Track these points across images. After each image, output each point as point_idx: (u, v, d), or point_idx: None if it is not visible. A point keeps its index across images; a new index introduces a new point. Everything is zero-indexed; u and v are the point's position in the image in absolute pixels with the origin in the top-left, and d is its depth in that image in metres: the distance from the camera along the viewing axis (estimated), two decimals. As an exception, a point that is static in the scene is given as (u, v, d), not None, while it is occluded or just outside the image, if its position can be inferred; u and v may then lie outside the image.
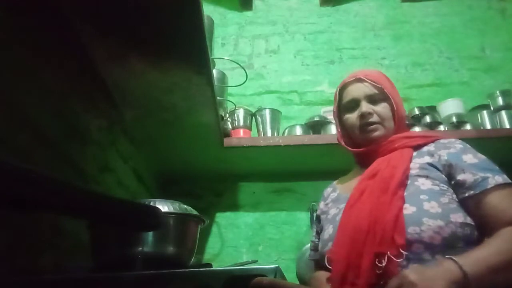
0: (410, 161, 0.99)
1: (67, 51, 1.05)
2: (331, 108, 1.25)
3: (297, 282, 1.61)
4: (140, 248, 0.83)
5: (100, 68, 1.15)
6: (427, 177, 0.94)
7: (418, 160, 0.99)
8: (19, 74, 0.88)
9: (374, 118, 1.07)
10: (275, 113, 1.84)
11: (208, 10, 1.56)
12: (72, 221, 1.02)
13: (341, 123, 1.16)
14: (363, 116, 1.07)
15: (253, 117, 1.84)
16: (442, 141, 1.03)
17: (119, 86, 1.23)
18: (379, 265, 0.82)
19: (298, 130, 1.79)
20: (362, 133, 1.09)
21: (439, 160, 0.97)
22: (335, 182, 1.21)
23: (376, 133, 1.07)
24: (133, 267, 0.81)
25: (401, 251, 0.82)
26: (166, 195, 1.43)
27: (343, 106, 1.14)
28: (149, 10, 0.96)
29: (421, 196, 0.89)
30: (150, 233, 0.84)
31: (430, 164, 0.97)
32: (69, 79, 1.08)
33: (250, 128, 1.81)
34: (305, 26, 2.32)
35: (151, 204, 0.84)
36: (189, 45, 1.08)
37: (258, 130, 1.81)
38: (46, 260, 0.93)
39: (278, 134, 1.80)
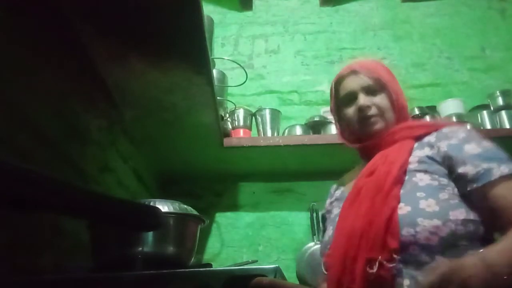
0: (410, 154, 0.93)
1: (67, 51, 1.05)
2: (330, 107, 1.24)
3: (297, 282, 1.62)
4: (140, 248, 0.83)
5: (100, 68, 1.15)
6: (425, 171, 0.88)
7: (418, 153, 0.93)
8: (19, 74, 0.88)
9: (373, 111, 1.01)
10: (275, 113, 1.84)
11: (208, 10, 1.56)
12: (72, 221, 1.01)
13: (340, 118, 1.11)
14: (361, 109, 1.02)
15: (253, 117, 1.84)
16: (444, 130, 0.95)
17: (119, 86, 1.23)
18: (370, 271, 0.77)
19: (298, 130, 1.80)
20: (362, 127, 1.03)
21: (438, 152, 0.90)
22: (342, 178, 1.15)
23: (376, 126, 1.01)
24: (133, 267, 0.81)
25: (394, 255, 0.77)
26: (166, 195, 1.43)
27: (340, 101, 1.09)
28: (149, 10, 0.96)
29: (418, 194, 0.83)
30: (150, 233, 0.84)
31: (429, 157, 0.90)
32: (69, 79, 1.08)
33: (250, 128, 1.81)
34: (305, 26, 2.31)
35: (151, 204, 0.84)
36: (189, 45, 1.07)
37: (258, 130, 1.81)
38: (46, 260, 0.93)
39: (278, 134, 1.80)
